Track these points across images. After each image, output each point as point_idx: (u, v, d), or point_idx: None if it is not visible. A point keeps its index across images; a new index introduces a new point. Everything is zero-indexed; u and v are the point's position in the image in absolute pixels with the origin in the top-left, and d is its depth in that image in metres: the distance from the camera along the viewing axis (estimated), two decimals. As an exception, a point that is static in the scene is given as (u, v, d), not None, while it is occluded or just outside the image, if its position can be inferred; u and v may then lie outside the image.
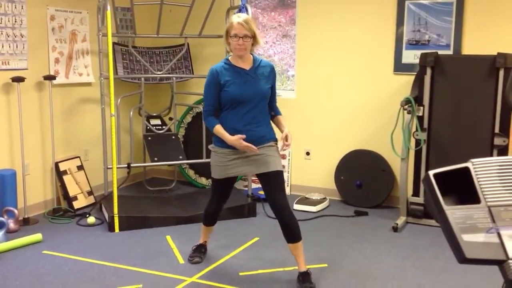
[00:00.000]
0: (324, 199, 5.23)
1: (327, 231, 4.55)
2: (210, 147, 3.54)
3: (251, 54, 3.43)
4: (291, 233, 3.40)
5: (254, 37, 3.30)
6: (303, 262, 3.45)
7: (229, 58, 3.43)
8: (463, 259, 1.65)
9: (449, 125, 4.55)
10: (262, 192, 5.26)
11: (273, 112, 3.55)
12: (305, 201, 5.17)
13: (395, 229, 4.50)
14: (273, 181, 3.40)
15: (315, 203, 5.12)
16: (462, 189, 1.75)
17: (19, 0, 4.58)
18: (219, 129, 3.38)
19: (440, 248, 4.04)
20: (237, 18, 3.30)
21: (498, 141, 4.35)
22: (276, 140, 3.49)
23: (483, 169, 1.74)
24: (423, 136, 4.57)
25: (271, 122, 3.53)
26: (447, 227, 1.68)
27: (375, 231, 4.53)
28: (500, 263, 1.65)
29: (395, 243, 4.24)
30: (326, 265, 3.80)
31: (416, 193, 4.69)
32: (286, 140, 3.35)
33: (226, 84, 3.34)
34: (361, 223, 4.76)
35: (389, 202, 5.17)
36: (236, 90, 3.33)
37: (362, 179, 5.21)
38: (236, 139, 3.30)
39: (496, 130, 4.36)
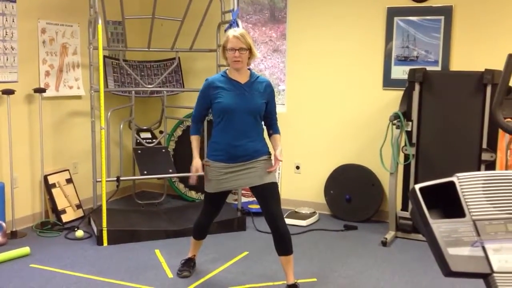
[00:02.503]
0: (313, 213, 5.24)
1: (317, 245, 4.55)
2: (204, 161, 3.55)
3: (249, 69, 3.47)
4: (285, 245, 3.41)
5: (250, 50, 3.35)
6: (292, 274, 3.46)
7: (227, 71, 3.47)
8: (448, 272, 1.66)
9: (437, 140, 4.58)
10: (252, 206, 5.30)
11: (271, 130, 3.57)
12: (294, 215, 5.18)
13: (384, 243, 4.51)
14: (267, 192, 3.43)
15: (304, 217, 5.12)
16: (448, 203, 1.76)
17: (10, 13, 4.59)
18: (193, 141, 3.54)
19: (429, 263, 4.05)
20: (233, 32, 3.37)
21: (485, 156, 4.39)
22: (269, 154, 3.51)
23: (468, 183, 1.76)
24: (411, 151, 4.60)
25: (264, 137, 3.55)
26: (433, 241, 1.69)
27: (364, 246, 4.53)
28: (485, 277, 1.66)
29: (384, 258, 4.25)
30: (315, 279, 3.79)
31: (405, 207, 4.71)
32: (275, 162, 3.42)
33: (218, 93, 3.38)
34: (350, 238, 4.77)
35: (378, 216, 5.18)
36: (228, 100, 3.36)
37: (351, 194, 5.22)
38: (195, 167, 3.47)
39: (484, 146, 4.41)
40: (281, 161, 3.43)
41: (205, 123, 5.24)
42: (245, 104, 3.37)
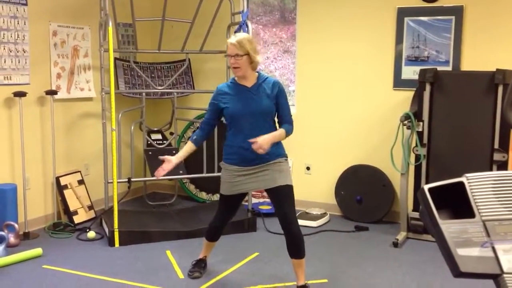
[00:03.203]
0: (324, 214, 5.23)
1: (328, 246, 4.54)
2: (220, 163, 3.59)
3: (258, 72, 3.47)
4: (297, 248, 3.41)
5: (248, 56, 3.33)
6: (303, 276, 3.47)
7: (235, 77, 3.48)
8: (458, 273, 1.66)
9: (448, 140, 4.56)
10: (262, 207, 5.30)
11: (280, 127, 3.53)
12: (305, 216, 5.17)
13: (395, 244, 4.49)
14: (281, 195, 3.42)
15: (315, 218, 5.11)
16: (457, 203, 1.75)
17: (21, 15, 4.63)
18: (187, 145, 3.53)
19: (441, 264, 4.00)
20: (232, 38, 3.39)
21: (497, 156, 4.36)
22: (285, 157, 3.50)
23: (477, 184, 1.75)
24: (422, 151, 4.58)
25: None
26: (442, 241, 1.68)
27: (376, 247, 4.52)
28: (495, 277, 1.65)
29: (396, 259, 4.23)
30: (326, 280, 3.79)
31: (416, 208, 4.68)
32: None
33: (225, 99, 3.42)
34: (361, 239, 4.75)
35: (390, 217, 5.16)
36: (236, 106, 3.39)
37: (362, 194, 5.21)
38: (166, 158, 3.45)
39: (496, 146, 4.37)
40: (261, 148, 3.27)
41: (216, 127, 5.26)
42: (252, 107, 3.38)
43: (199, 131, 3.58)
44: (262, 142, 3.26)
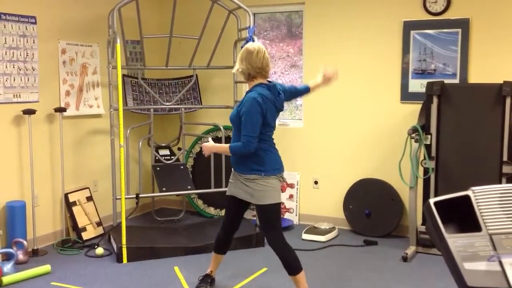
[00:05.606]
0: (333, 229, 5.20)
1: (336, 260, 4.51)
2: None
3: (268, 81, 3.47)
4: (287, 267, 3.46)
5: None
6: (303, 293, 3.47)
7: None
8: (465, 287, 1.64)
9: (457, 153, 4.53)
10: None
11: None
12: (314, 230, 5.15)
13: (404, 258, 4.45)
14: (259, 216, 3.54)
15: (324, 232, 5.09)
16: (463, 217, 1.74)
17: (31, 34, 4.68)
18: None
19: (450, 278, 3.97)
20: None
21: (506, 169, 4.32)
22: (260, 172, 3.38)
23: (483, 197, 1.74)
24: (431, 164, 4.56)
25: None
26: (449, 255, 1.67)
27: (385, 261, 4.48)
28: (503, 292, 1.64)
29: (405, 273, 4.20)
30: (334, 295, 3.76)
31: (425, 222, 4.65)
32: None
33: None
34: (370, 253, 4.72)
35: (399, 231, 5.12)
36: None
37: (371, 208, 5.18)
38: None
39: (505, 159, 4.34)
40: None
41: (223, 139, 5.26)
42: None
43: None
44: (204, 146, 3.54)
